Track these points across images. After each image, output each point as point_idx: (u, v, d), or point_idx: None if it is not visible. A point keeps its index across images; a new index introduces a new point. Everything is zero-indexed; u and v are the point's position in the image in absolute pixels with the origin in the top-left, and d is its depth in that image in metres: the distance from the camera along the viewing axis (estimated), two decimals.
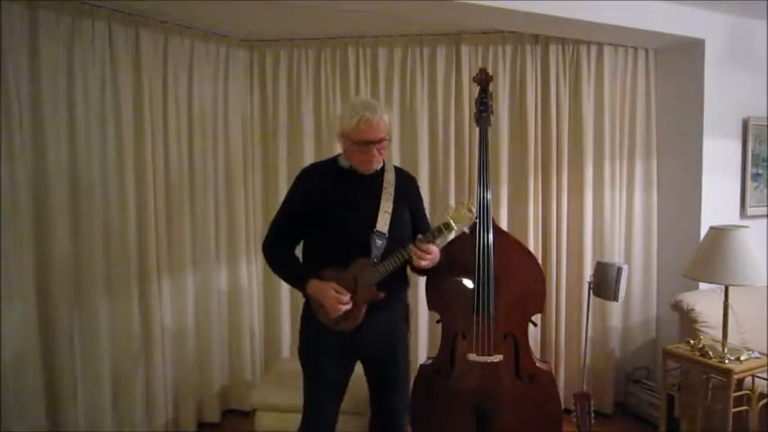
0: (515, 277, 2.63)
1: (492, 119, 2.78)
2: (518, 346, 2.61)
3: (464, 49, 3.42)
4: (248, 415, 3.33)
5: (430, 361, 2.75)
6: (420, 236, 2.09)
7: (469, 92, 3.38)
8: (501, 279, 2.58)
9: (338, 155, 2.20)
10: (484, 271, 2.56)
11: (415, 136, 3.46)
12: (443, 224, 2.06)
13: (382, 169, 2.18)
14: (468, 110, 3.41)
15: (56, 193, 2.67)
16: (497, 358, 2.57)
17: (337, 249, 2.09)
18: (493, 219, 2.66)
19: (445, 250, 2.29)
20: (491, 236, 2.60)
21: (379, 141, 2.04)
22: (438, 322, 2.71)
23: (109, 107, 2.88)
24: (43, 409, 2.63)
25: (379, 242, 2.06)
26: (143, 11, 2.92)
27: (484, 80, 2.76)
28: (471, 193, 3.43)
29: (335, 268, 2.07)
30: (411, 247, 2.06)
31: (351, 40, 3.46)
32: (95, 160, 2.83)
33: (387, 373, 2.26)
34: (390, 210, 2.11)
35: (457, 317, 2.62)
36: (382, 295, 2.07)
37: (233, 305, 3.52)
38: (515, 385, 2.61)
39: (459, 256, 2.59)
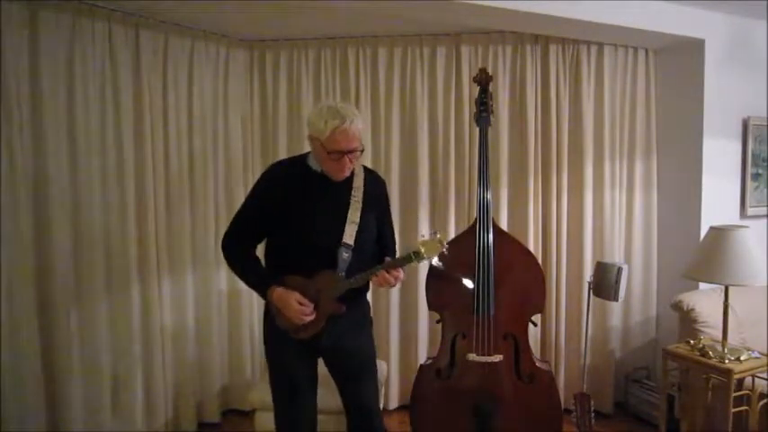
0: (515, 277, 2.64)
1: (492, 119, 2.79)
2: (518, 345, 2.62)
3: (464, 49, 3.42)
4: (248, 415, 3.33)
5: (430, 361, 2.75)
6: (389, 260, 2.05)
7: (469, 92, 3.38)
8: (501, 279, 2.59)
9: (307, 153, 2.15)
10: (484, 271, 2.57)
11: (415, 136, 3.46)
12: (414, 252, 2.01)
13: (352, 173, 2.11)
14: (468, 110, 3.41)
15: (56, 194, 2.67)
16: (497, 358, 2.58)
17: (302, 258, 2.05)
18: (493, 219, 2.66)
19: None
20: (491, 236, 2.60)
21: (352, 151, 1.99)
22: (438, 322, 2.71)
23: (109, 107, 2.88)
24: (43, 410, 2.63)
25: (345, 255, 2.03)
26: (143, 11, 2.92)
27: (484, 80, 2.77)
28: (471, 193, 3.43)
29: (299, 277, 2.04)
30: (381, 270, 2.02)
31: (351, 40, 3.46)
32: (95, 160, 2.83)
33: (349, 372, 2.22)
34: (358, 219, 2.07)
35: (457, 317, 2.63)
36: (344, 309, 2.06)
37: (233, 305, 3.52)
38: (515, 385, 2.61)
39: (460, 256, 2.59)
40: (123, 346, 2.97)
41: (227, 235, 2.16)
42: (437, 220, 3.49)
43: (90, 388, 2.83)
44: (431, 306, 2.70)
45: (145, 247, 3.04)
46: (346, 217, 2.06)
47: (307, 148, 3.43)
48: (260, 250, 2.19)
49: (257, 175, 3.51)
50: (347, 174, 2.06)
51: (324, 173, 2.08)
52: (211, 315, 3.40)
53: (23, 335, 2.56)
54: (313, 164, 2.10)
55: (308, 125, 2.05)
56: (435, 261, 2.05)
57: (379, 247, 2.21)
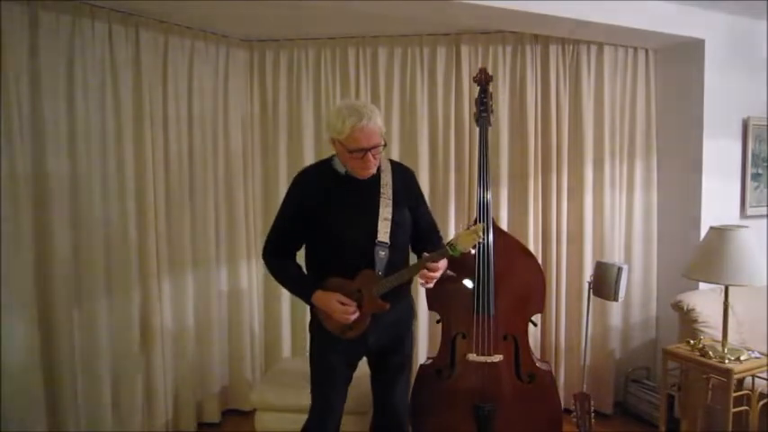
0: (515, 277, 2.64)
1: (492, 119, 2.78)
2: (518, 346, 2.62)
3: (464, 49, 3.42)
4: (248, 415, 3.33)
5: (430, 361, 2.75)
6: (426, 255, 2.05)
7: (469, 92, 3.38)
8: (501, 279, 2.59)
9: (333, 156, 2.16)
10: (484, 271, 2.56)
11: (415, 136, 3.46)
12: (449, 244, 2.01)
13: (378, 169, 2.12)
14: (468, 110, 3.41)
15: (56, 194, 2.67)
16: (497, 358, 2.58)
17: (339, 260, 2.07)
18: (493, 219, 2.66)
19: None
20: (491, 236, 2.60)
21: (374, 147, 2.00)
22: (438, 322, 2.71)
23: (109, 107, 2.88)
24: (43, 409, 2.63)
25: (382, 253, 2.04)
26: (143, 11, 2.92)
27: (484, 80, 2.76)
28: (471, 193, 3.43)
29: (340, 279, 2.06)
30: (420, 265, 2.03)
31: (351, 40, 3.46)
32: (95, 160, 2.82)
33: (389, 369, 2.25)
34: (390, 216, 2.07)
35: (457, 317, 2.63)
36: (387, 307, 2.07)
37: (233, 305, 3.52)
38: (515, 385, 2.61)
39: (460, 256, 2.59)
40: (123, 346, 2.97)
41: (266, 246, 2.18)
42: (437, 220, 3.47)
43: (90, 388, 2.83)
44: (431, 306, 2.69)
45: (145, 247, 3.04)
46: (378, 214, 2.06)
47: (307, 148, 3.51)
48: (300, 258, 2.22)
49: (257, 176, 3.58)
50: (372, 171, 2.07)
51: (350, 173, 2.08)
52: (211, 315, 3.39)
53: (23, 335, 2.56)
54: (338, 166, 2.11)
55: (327, 128, 2.05)
56: (473, 252, 2.04)
57: (420, 239, 2.22)
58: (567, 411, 3.08)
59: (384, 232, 2.05)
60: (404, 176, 2.22)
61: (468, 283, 2.59)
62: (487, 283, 2.56)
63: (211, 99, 3.36)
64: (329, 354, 2.16)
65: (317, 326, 2.17)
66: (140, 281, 3.03)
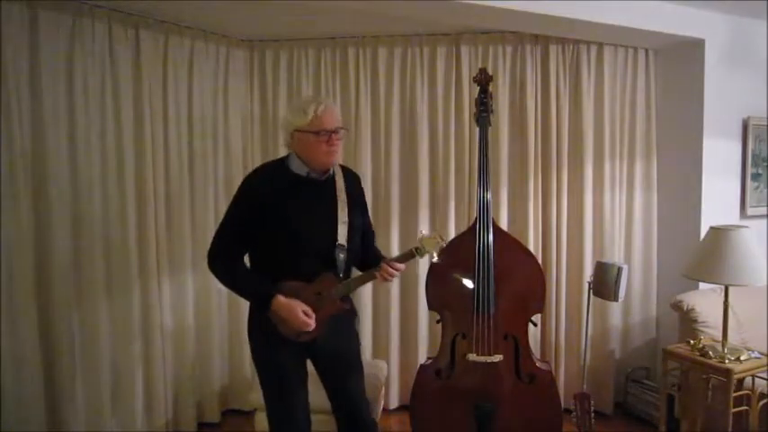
0: (515, 277, 2.64)
1: (492, 119, 2.78)
2: (518, 346, 2.62)
3: (464, 49, 3.42)
4: (248, 415, 3.33)
5: (430, 361, 2.75)
6: (392, 258, 2.10)
7: (469, 92, 3.38)
8: (501, 279, 2.59)
9: (286, 156, 2.13)
10: (484, 271, 2.57)
11: (415, 136, 3.46)
12: (415, 248, 2.06)
13: (333, 174, 2.13)
14: (468, 110, 3.41)
15: (56, 193, 2.67)
16: (497, 358, 2.58)
17: (298, 263, 2.04)
18: (493, 219, 2.66)
19: (446, 250, 2.28)
20: (491, 236, 2.60)
21: (337, 131, 2.03)
22: (438, 322, 2.71)
23: (109, 107, 2.88)
24: (43, 409, 2.63)
25: (341, 256, 2.06)
26: (143, 11, 2.92)
27: (484, 80, 2.76)
28: (471, 193, 3.43)
29: (295, 282, 2.03)
30: (385, 266, 2.05)
31: (351, 40, 3.46)
32: (95, 160, 2.83)
33: (338, 370, 2.22)
34: (347, 219, 2.09)
35: (457, 317, 2.63)
36: (347, 307, 2.08)
37: (233, 305, 3.51)
38: (515, 385, 2.61)
39: (460, 256, 2.60)
40: (123, 346, 2.97)
41: (214, 249, 2.10)
42: (437, 220, 3.49)
43: (90, 388, 2.83)
44: (431, 306, 2.70)
45: (145, 246, 3.04)
46: (337, 218, 2.08)
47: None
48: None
49: None
50: (337, 157, 2.08)
51: (309, 175, 2.07)
52: (211, 315, 3.39)
53: (23, 335, 2.56)
54: (295, 167, 2.08)
55: (285, 127, 2.07)
56: (435, 258, 2.08)
57: (362, 241, 2.22)
58: (567, 411, 3.08)
59: (342, 235, 2.07)
60: (354, 180, 2.24)
61: (468, 283, 2.59)
62: (487, 283, 2.56)
63: (211, 99, 3.36)
64: (276, 352, 2.11)
65: (265, 330, 2.08)
66: (140, 281, 3.02)
